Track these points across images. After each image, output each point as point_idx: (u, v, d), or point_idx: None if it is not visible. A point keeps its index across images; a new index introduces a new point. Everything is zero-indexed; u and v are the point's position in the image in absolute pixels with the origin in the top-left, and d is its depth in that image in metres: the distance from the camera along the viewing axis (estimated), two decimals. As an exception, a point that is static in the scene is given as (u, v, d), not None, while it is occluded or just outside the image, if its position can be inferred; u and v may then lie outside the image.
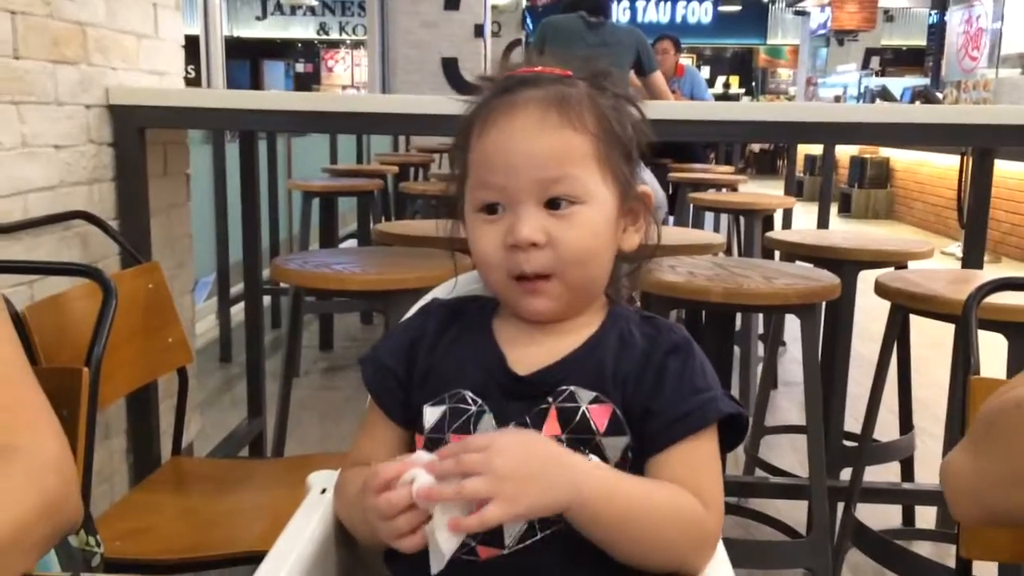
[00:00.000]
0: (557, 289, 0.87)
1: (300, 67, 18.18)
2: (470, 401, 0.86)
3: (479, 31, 7.63)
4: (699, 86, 6.39)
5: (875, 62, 13.86)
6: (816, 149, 9.80)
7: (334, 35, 17.62)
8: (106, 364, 1.31)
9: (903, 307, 1.98)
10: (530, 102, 0.86)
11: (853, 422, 2.60)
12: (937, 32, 11.94)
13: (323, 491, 0.93)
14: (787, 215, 4.43)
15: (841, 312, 2.38)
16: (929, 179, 8.87)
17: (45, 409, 0.90)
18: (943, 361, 2.57)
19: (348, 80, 17.45)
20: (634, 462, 0.84)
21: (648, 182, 0.96)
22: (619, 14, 16.86)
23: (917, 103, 7.61)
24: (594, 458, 0.83)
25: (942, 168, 8.23)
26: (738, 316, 3.14)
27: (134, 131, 2.09)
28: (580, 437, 0.83)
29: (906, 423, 2.53)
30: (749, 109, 3.00)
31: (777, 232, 2.90)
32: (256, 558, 0.82)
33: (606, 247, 0.89)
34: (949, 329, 1.85)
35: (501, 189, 0.86)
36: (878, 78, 12.07)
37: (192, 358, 1.91)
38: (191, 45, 2.99)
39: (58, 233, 1.89)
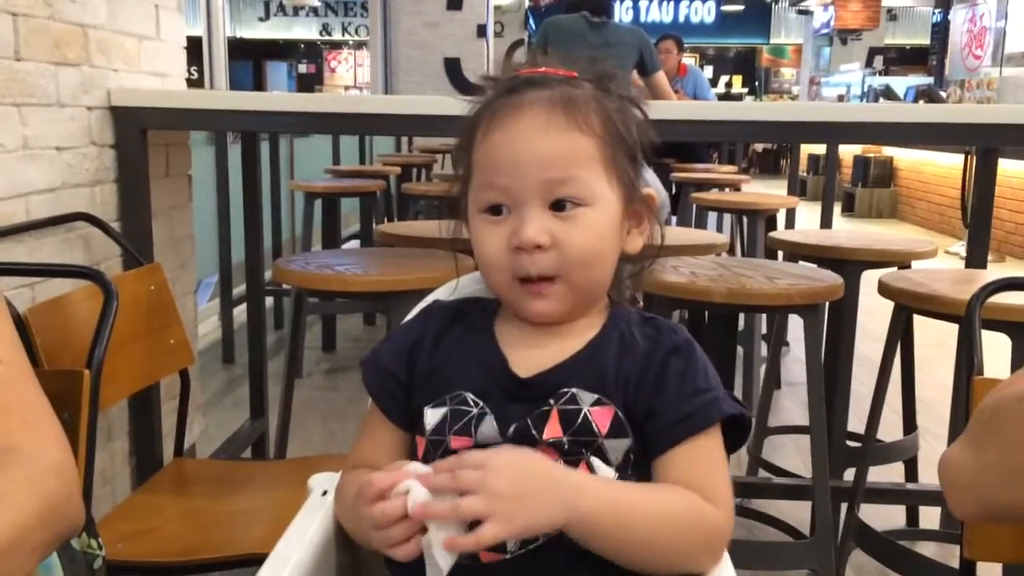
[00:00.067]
0: (561, 291, 0.87)
1: (303, 68, 18.20)
2: (471, 403, 0.86)
3: (482, 31, 7.61)
4: (702, 86, 6.38)
5: (878, 61, 13.83)
6: (819, 148, 9.77)
7: (337, 36, 17.64)
8: (108, 366, 1.31)
9: (907, 307, 1.97)
10: (536, 103, 0.86)
11: (857, 422, 2.60)
12: (941, 31, 11.93)
13: (324, 493, 0.93)
14: (790, 215, 4.42)
15: (844, 312, 2.37)
16: (933, 178, 8.85)
17: (47, 411, 0.90)
18: (947, 361, 2.56)
19: (351, 81, 17.45)
20: (636, 464, 0.84)
21: (650, 182, 0.96)
22: (622, 14, 16.86)
23: (921, 102, 7.59)
24: (598, 462, 0.83)
25: (946, 167, 8.21)
26: (741, 316, 3.14)
27: (136, 132, 2.09)
28: (582, 439, 0.83)
29: (910, 423, 2.52)
30: (752, 109, 3.00)
31: (780, 232, 2.89)
32: (258, 560, 0.82)
33: (610, 249, 0.89)
34: (953, 329, 1.85)
35: (506, 190, 0.85)
36: (881, 77, 12.05)
37: (194, 359, 1.91)
38: (194, 46, 2.99)
39: (60, 235, 1.89)
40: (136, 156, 2.10)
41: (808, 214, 6.12)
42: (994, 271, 2.00)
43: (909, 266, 2.37)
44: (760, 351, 3.36)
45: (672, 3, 17.73)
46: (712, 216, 4.18)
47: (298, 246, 4.53)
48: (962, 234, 6.25)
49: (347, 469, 0.92)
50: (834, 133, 2.43)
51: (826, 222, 4.53)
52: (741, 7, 17.49)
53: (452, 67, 7.53)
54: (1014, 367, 1.76)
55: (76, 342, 1.39)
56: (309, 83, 17.42)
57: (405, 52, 7.66)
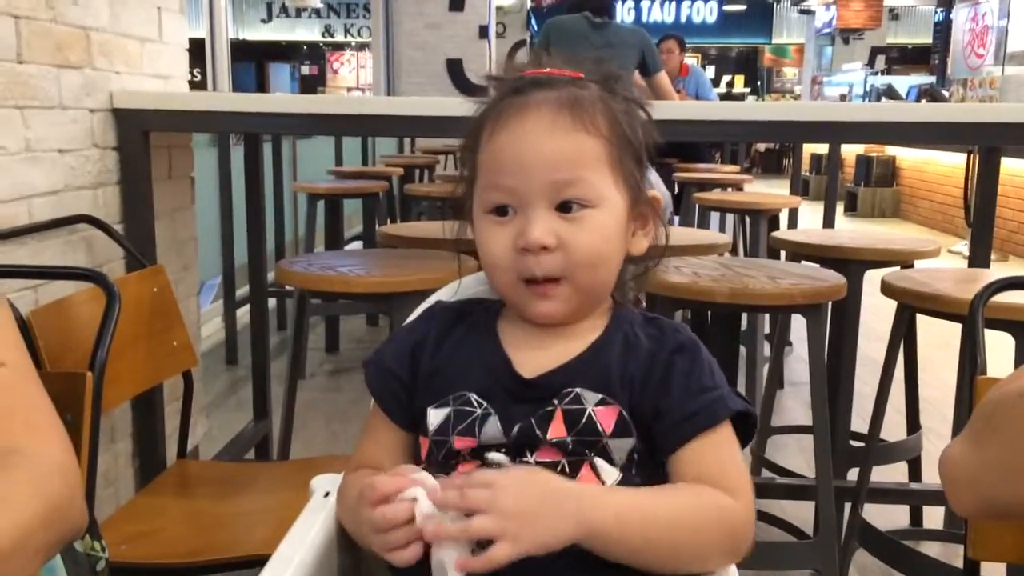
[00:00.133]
0: (567, 292, 0.86)
1: (305, 69, 18.19)
2: (475, 404, 0.86)
3: (483, 32, 7.62)
4: (704, 86, 6.37)
5: (881, 60, 13.81)
6: (822, 148, 9.77)
7: (339, 37, 17.64)
8: (111, 368, 1.31)
9: (910, 306, 1.97)
10: (542, 103, 0.86)
11: (860, 422, 2.59)
12: (943, 30, 11.91)
13: (326, 495, 0.93)
14: (793, 214, 4.42)
15: (847, 312, 2.37)
16: (935, 177, 8.84)
17: (50, 413, 0.90)
18: (950, 361, 2.56)
19: (353, 82, 17.45)
20: (640, 463, 0.84)
21: (653, 183, 0.95)
22: (624, 14, 16.86)
23: (923, 101, 7.59)
24: (601, 462, 0.82)
25: (948, 166, 8.20)
26: (744, 316, 3.14)
27: (138, 135, 2.09)
28: (586, 439, 0.83)
29: (913, 423, 2.52)
30: (754, 108, 3.00)
31: (783, 232, 2.89)
32: (261, 561, 0.82)
33: (616, 251, 0.89)
34: (956, 328, 1.85)
35: (512, 191, 0.85)
36: (884, 76, 12.03)
37: (197, 361, 1.91)
38: (197, 48, 3.00)
39: (63, 237, 1.90)
40: (138, 158, 2.10)
41: (811, 214, 6.11)
42: (997, 270, 2.00)
43: (912, 265, 2.37)
44: (763, 351, 3.36)
45: (674, 3, 17.72)
46: (715, 216, 4.17)
47: (301, 247, 4.53)
48: (965, 233, 6.23)
49: (349, 470, 0.92)
50: (836, 133, 2.43)
51: (829, 222, 4.52)
52: (743, 7, 17.49)
53: (454, 68, 7.54)
54: (1017, 366, 1.75)
55: (79, 344, 1.39)
56: (312, 85, 17.42)
57: (407, 53, 7.67)
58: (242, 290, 3.81)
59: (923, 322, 2.10)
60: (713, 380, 0.86)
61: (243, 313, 3.67)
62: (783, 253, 2.64)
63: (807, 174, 10.91)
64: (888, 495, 2.39)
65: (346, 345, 4.28)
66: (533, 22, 9.79)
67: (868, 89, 11.35)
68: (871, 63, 13.65)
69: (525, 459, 0.83)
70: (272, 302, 4.12)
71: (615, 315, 0.92)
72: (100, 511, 1.53)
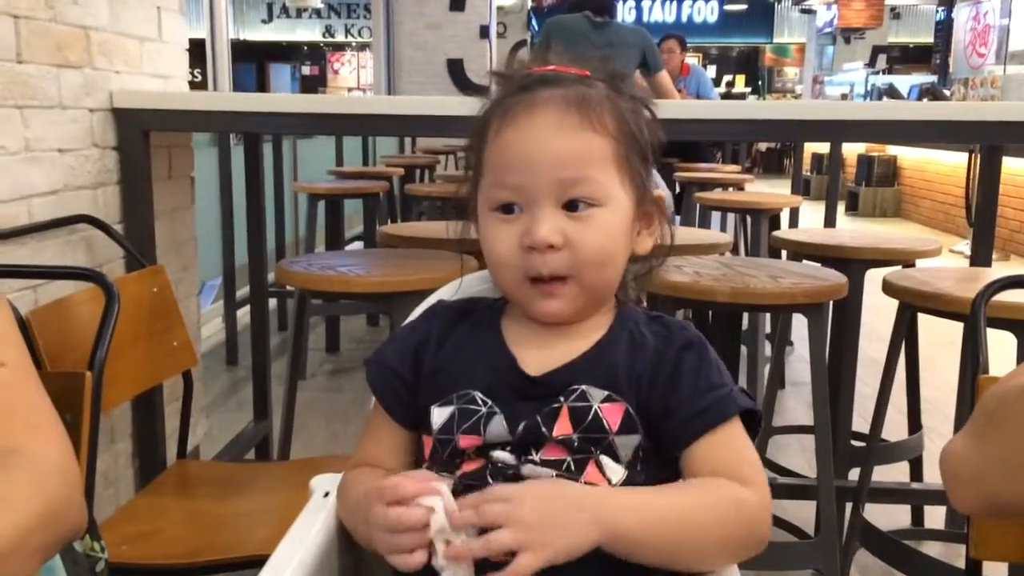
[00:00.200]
0: (573, 291, 0.86)
1: (306, 69, 18.20)
2: (480, 402, 0.86)
3: (484, 32, 7.62)
4: (705, 85, 6.37)
5: (882, 60, 13.81)
6: (823, 147, 9.76)
7: (340, 38, 17.65)
8: (111, 368, 1.31)
9: (911, 306, 1.97)
10: (550, 101, 0.85)
11: (861, 422, 2.59)
12: (944, 29, 11.91)
13: (326, 495, 0.92)
14: (794, 214, 4.41)
15: (849, 311, 2.37)
16: (937, 177, 8.84)
17: (50, 413, 0.90)
18: (952, 360, 2.55)
19: (354, 82, 17.45)
20: (645, 460, 0.84)
21: (656, 182, 0.95)
22: (625, 14, 16.85)
23: (924, 100, 7.59)
24: (607, 460, 0.82)
25: (950, 166, 8.20)
26: (745, 316, 3.14)
27: (138, 134, 2.09)
28: (592, 436, 0.82)
29: (915, 423, 2.51)
30: (755, 108, 2.99)
31: (784, 231, 2.89)
32: (262, 562, 0.82)
33: (622, 250, 0.88)
34: (958, 328, 1.84)
35: (518, 188, 0.85)
36: (885, 76, 12.04)
37: (197, 361, 1.91)
38: (197, 48, 2.99)
39: (63, 237, 1.89)
40: (138, 158, 2.09)
41: (812, 213, 6.10)
42: (999, 269, 2.00)
43: (913, 265, 2.36)
44: (764, 351, 3.35)
45: (675, 3, 17.72)
46: (716, 215, 4.17)
47: (301, 248, 4.53)
48: (966, 232, 6.23)
49: (349, 468, 0.92)
50: (837, 132, 2.43)
51: (830, 221, 4.51)
52: (744, 6, 17.48)
53: (455, 68, 7.54)
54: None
55: (78, 344, 1.39)
56: (312, 85, 17.43)
57: (408, 53, 7.66)
58: (242, 290, 3.81)
59: (924, 321, 2.09)
60: (721, 378, 0.86)
61: (243, 313, 3.67)
62: (784, 252, 2.64)
63: (808, 174, 10.90)
64: (889, 495, 2.38)
65: (346, 345, 4.28)
66: (534, 22, 9.78)
67: (869, 88, 11.36)
68: (872, 62, 13.66)
69: (530, 457, 0.83)
70: (272, 302, 4.12)
71: (619, 313, 0.91)
72: (100, 511, 1.53)
